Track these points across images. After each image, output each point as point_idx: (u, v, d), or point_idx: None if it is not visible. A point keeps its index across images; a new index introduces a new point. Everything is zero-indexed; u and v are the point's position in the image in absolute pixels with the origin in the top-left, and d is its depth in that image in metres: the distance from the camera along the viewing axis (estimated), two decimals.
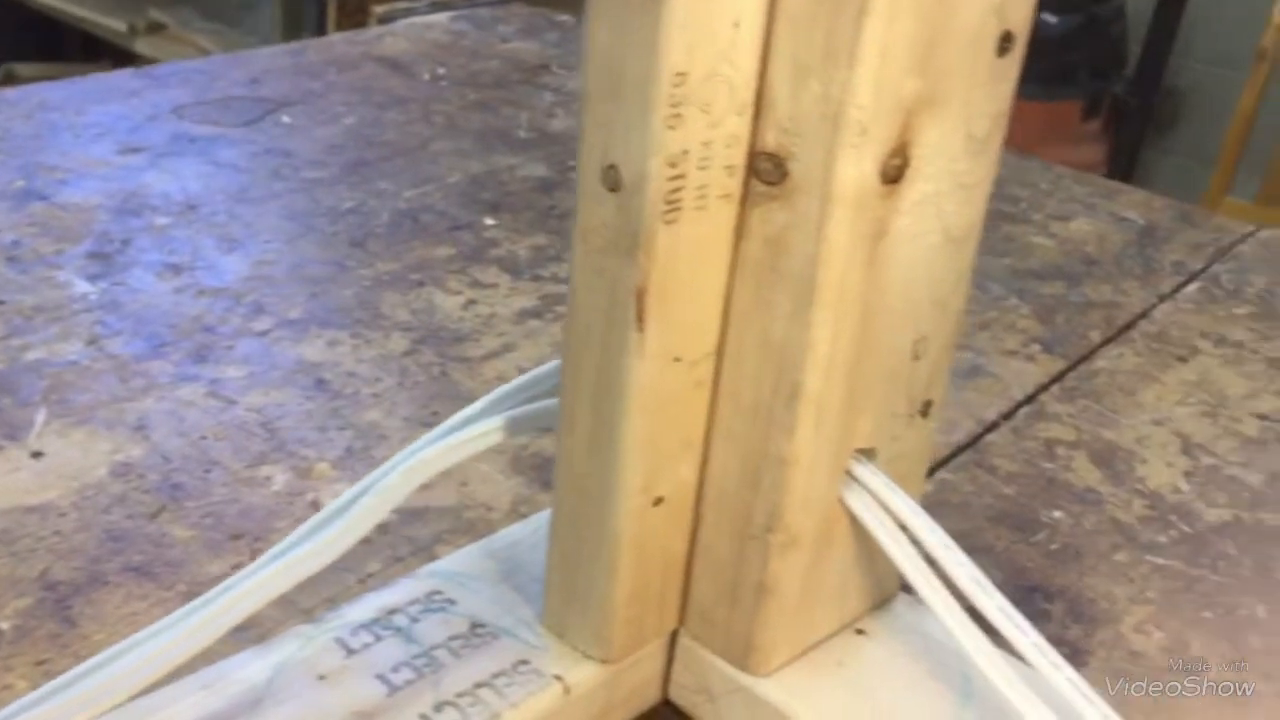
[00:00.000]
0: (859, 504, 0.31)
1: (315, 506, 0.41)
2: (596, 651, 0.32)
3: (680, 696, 0.34)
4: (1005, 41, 0.28)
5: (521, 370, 0.42)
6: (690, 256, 0.28)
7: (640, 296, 0.27)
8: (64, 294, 0.52)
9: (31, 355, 0.47)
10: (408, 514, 0.41)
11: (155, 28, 1.99)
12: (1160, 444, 0.50)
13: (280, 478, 0.42)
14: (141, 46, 1.97)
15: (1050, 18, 1.99)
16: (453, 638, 0.32)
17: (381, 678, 0.31)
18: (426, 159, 0.70)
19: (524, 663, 0.32)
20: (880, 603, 0.35)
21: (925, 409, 0.32)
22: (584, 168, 0.27)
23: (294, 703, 0.30)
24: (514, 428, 0.32)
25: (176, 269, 0.55)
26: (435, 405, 0.47)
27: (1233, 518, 0.45)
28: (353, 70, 0.83)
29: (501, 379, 0.46)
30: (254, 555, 0.38)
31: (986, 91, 0.28)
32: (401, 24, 0.96)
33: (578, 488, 0.31)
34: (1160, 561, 0.43)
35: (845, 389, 0.29)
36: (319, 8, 1.80)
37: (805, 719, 0.31)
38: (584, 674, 0.32)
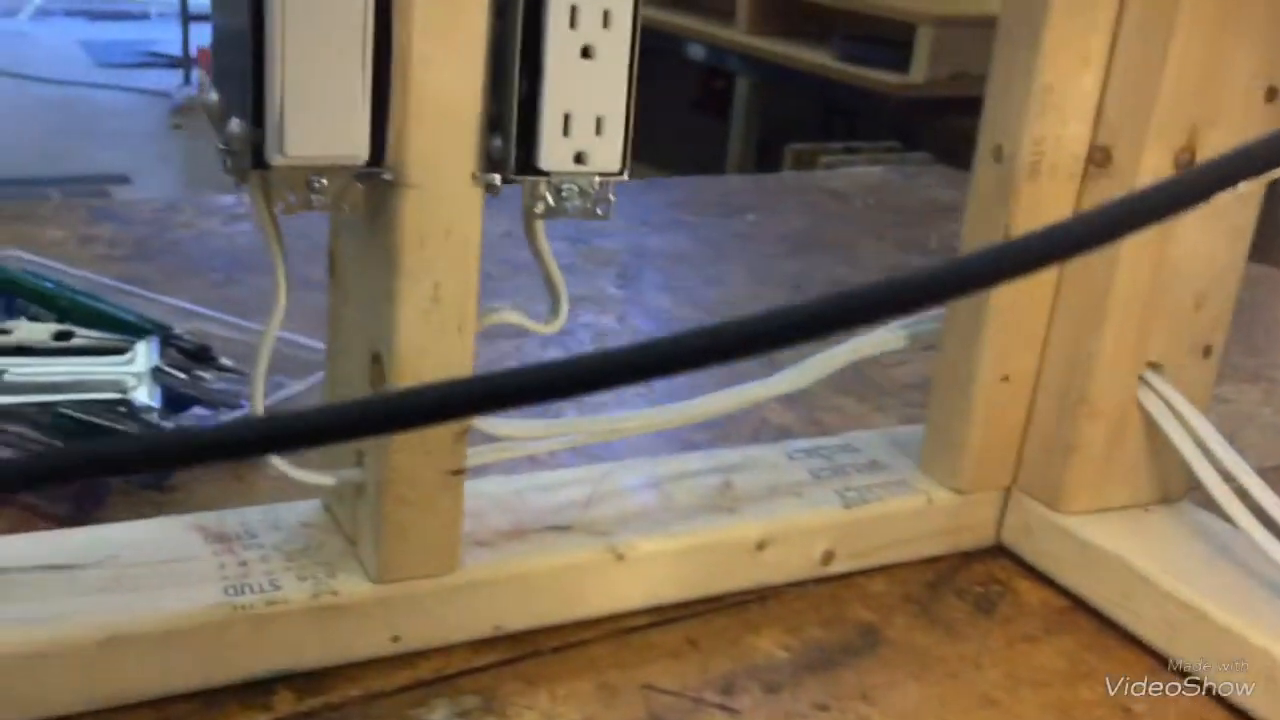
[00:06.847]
0: (1149, 403, 0.45)
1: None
2: (953, 483, 0.48)
3: (1008, 537, 0.49)
4: (1271, 94, 0.43)
5: None
6: (1045, 207, 0.44)
7: (1006, 230, 0.44)
8: (602, 292, 0.74)
9: (583, 320, 0.69)
10: None
11: None
12: None
13: None
14: None
15: None
16: (856, 465, 0.49)
17: (810, 470, 0.48)
18: (855, 253, 0.89)
19: (903, 483, 0.48)
20: (1167, 500, 0.48)
21: (1206, 351, 0.46)
22: (981, 147, 0.45)
23: (759, 470, 0.48)
24: (913, 340, 0.49)
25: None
26: None
27: None
28: (802, 195, 1.05)
29: None
30: None
31: (1259, 126, 0.43)
32: (841, 170, 1.17)
33: (951, 368, 0.47)
34: None
35: (1140, 313, 0.44)
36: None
37: (1093, 538, 0.45)
38: (942, 496, 0.47)
